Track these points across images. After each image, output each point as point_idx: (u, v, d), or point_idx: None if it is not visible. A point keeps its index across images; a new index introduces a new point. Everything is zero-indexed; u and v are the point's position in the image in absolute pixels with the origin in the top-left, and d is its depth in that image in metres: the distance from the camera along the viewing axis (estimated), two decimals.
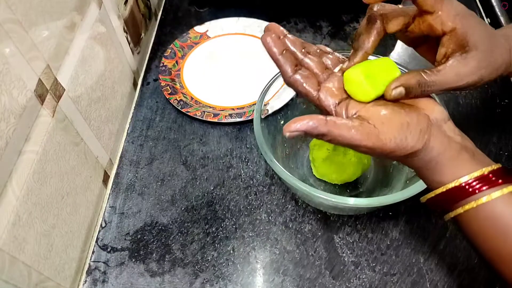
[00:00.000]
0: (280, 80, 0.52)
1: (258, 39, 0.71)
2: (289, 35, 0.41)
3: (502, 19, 0.69)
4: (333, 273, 0.46)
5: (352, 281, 0.45)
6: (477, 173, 0.31)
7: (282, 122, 0.54)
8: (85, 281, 0.47)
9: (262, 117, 0.47)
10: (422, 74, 0.35)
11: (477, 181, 0.31)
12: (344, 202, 0.40)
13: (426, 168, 0.34)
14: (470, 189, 0.31)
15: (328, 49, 0.42)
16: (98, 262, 0.48)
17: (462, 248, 0.47)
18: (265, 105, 0.49)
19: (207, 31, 0.72)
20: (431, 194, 0.34)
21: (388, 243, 0.48)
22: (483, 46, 0.35)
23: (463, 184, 0.32)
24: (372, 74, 0.36)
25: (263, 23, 0.71)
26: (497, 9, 0.70)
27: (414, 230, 0.49)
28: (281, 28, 0.40)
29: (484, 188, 0.31)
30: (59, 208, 0.43)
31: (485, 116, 0.59)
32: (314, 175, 0.53)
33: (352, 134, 0.32)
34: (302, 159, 0.55)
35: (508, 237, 0.30)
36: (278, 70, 0.50)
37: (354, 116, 0.35)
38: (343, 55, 0.46)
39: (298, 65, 0.40)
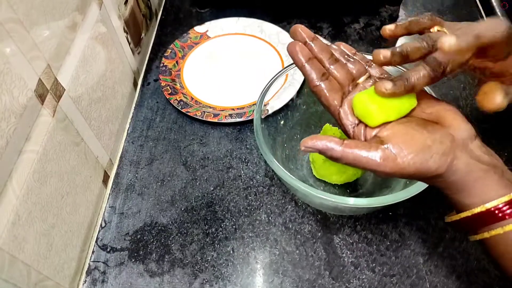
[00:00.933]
0: (280, 80, 0.52)
1: (258, 39, 0.71)
2: (320, 38, 0.38)
3: None
4: (333, 274, 0.46)
5: (351, 282, 0.46)
6: (505, 198, 0.30)
7: (282, 122, 0.54)
8: (85, 281, 0.47)
9: (262, 117, 0.47)
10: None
11: (506, 207, 0.30)
12: (344, 202, 0.40)
13: (450, 189, 0.32)
14: (498, 215, 0.30)
15: (352, 50, 0.40)
16: (98, 262, 0.48)
17: (461, 250, 0.47)
18: (265, 105, 0.49)
19: (207, 31, 0.72)
20: (456, 217, 0.33)
21: (388, 244, 0.48)
22: None
23: (492, 209, 0.30)
24: (381, 98, 0.34)
25: (263, 23, 0.72)
26: (497, 9, 0.70)
27: (413, 231, 0.49)
28: (307, 31, 0.38)
29: None
30: (59, 208, 0.43)
31: (485, 117, 0.59)
32: (314, 175, 0.53)
33: (367, 160, 0.31)
34: (302, 160, 0.55)
35: None
36: (280, 71, 0.50)
37: (373, 137, 0.34)
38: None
39: (325, 74, 0.38)
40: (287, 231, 0.50)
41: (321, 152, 0.32)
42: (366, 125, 0.36)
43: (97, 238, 0.50)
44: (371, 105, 0.34)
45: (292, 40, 0.38)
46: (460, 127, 0.33)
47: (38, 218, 0.40)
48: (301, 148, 0.32)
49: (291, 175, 0.41)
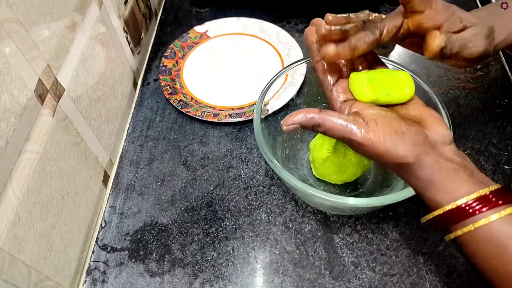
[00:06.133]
0: (280, 80, 0.52)
1: (258, 39, 0.71)
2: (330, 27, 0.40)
3: None
4: (333, 274, 0.46)
5: (352, 281, 0.45)
6: (474, 195, 0.31)
7: None
8: (85, 281, 0.47)
9: (262, 117, 0.47)
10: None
11: (475, 203, 0.31)
12: (344, 202, 0.40)
13: (420, 185, 0.34)
14: (469, 211, 0.31)
15: (376, 16, 0.41)
16: (98, 262, 0.48)
17: None
18: (265, 105, 0.49)
19: (207, 31, 0.72)
20: (429, 216, 0.34)
21: (388, 243, 0.48)
22: (479, 20, 0.37)
23: (462, 206, 0.31)
24: (378, 79, 0.38)
25: (263, 23, 0.72)
26: None
27: (413, 231, 0.49)
28: (323, 23, 0.41)
29: (483, 209, 0.30)
30: (59, 208, 0.43)
31: (485, 117, 0.59)
32: (314, 175, 0.53)
33: (343, 127, 0.33)
34: (302, 159, 0.55)
35: (505, 258, 0.30)
36: (280, 71, 0.51)
37: (354, 112, 0.37)
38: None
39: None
40: (287, 231, 0.50)
41: (302, 125, 0.34)
42: (352, 104, 0.38)
43: (97, 238, 0.50)
44: (365, 82, 0.37)
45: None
46: (437, 130, 0.35)
47: (38, 218, 0.40)
48: (283, 128, 0.34)
49: (291, 175, 0.41)
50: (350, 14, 0.39)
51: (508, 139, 0.56)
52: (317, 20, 0.42)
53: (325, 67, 0.40)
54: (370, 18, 0.38)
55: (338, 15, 0.38)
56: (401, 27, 0.37)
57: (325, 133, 0.34)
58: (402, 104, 0.38)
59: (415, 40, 0.39)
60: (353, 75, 0.39)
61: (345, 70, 0.41)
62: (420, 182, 0.34)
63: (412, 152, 0.32)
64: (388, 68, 0.42)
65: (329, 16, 0.38)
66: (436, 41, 0.35)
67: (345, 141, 0.34)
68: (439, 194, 0.32)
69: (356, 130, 0.33)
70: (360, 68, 0.42)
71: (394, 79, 0.38)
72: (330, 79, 0.40)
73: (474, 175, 0.33)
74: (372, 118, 0.34)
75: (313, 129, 0.35)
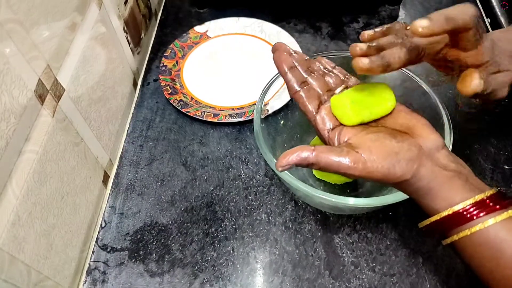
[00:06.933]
0: (280, 80, 0.52)
1: (258, 39, 0.71)
2: (294, 54, 0.42)
3: (502, 19, 0.69)
4: (333, 274, 0.46)
5: (351, 281, 0.46)
6: (470, 201, 0.31)
7: (282, 122, 0.54)
8: (85, 281, 0.47)
9: (262, 117, 0.47)
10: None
11: (472, 208, 0.31)
12: (344, 202, 0.40)
13: (418, 194, 0.34)
14: (466, 216, 0.31)
15: (331, 64, 0.43)
16: (98, 262, 0.48)
17: None
18: (265, 105, 0.49)
19: (207, 31, 0.72)
20: (427, 221, 0.34)
21: (388, 243, 0.48)
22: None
23: (460, 211, 0.32)
24: (359, 100, 0.37)
25: (263, 23, 0.72)
26: (497, 9, 0.70)
27: (413, 231, 0.49)
28: (288, 47, 0.42)
29: (480, 214, 0.31)
30: (59, 208, 0.43)
31: (484, 117, 0.59)
32: (313, 175, 0.53)
33: (338, 163, 0.33)
34: None
35: (500, 261, 0.31)
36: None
37: (344, 143, 0.36)
38: (342, 56, 0.47)
39: (305, 82, 0.41)
40: (287, 231, 0.50)
41: (297, 164, 0.34)
42: (340, 131, 0.38)
43: (97, 238, 0.50)
44: (348, 106, 0.37)
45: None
46: (428, 137, 0.35)
47: (38, 219, 0.40)
48: (279, 169, 0.34)
49: (291, 175, 0.41)
50: (385, 26, 0.37)
51: (507, 139, 0.56)
52: (279, 44, 0.42)
53: (305, 97, 0.40)
54: (406, 29, 0.37)
55: (373, 31, 0.37)
56: (439, 52, 0.36)
57: (320, 169, 0.34)
58: (388, 114, 0.38)
59: (444, 64, 0.39)
60: (334, 100, 0.39)
61: (323, 93, 0.41)
62: (416, 192, 0.34)
63: (408, 169, 0.33)
64: (358, 79, 0.42)
65: (365, 34, 0.38)
66: (474, 83, 0.34)
67: (341, 174, 0.34)
68: (436, 202, 0.33)
69: (352, 165, 0.33)
70: (334, 86, 0.41)
71: (374, 95, 0.38)
72: (311, 108, 0.40)
73: (469, 180, 0.33)
74: (365, 147, 0.34)
75: (308, 166, 0.34)
